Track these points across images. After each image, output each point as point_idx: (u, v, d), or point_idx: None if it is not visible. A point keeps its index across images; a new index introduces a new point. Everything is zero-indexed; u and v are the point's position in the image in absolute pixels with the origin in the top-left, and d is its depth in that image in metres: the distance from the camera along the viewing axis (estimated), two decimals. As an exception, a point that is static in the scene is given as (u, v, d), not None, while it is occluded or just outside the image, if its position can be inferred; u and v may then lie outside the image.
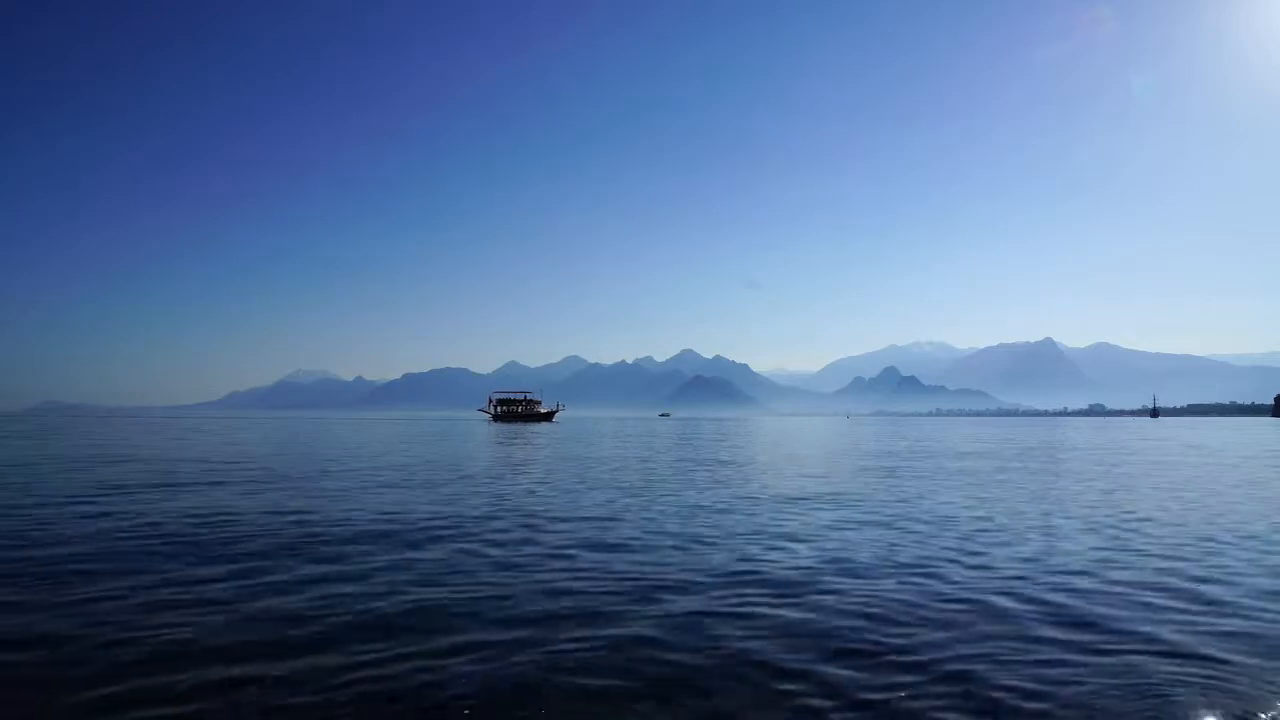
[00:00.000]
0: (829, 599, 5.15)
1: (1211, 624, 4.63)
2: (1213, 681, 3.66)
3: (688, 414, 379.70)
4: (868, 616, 4.70)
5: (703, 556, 6.58)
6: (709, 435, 42.36)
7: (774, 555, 6.65)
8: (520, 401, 77.66)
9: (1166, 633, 4.44)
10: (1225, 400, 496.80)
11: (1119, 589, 5.49)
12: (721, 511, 9.63)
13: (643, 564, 6.25)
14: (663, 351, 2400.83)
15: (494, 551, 6.82)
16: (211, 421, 78.26)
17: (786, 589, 5.42)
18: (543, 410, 78.13)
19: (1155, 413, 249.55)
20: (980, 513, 9.63)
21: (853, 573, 5.97)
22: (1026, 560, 6.51)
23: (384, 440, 32.20)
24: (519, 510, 9.69)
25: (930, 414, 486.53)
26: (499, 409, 77.59)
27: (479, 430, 47.35)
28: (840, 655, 3.98)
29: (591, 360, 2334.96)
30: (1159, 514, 9.54)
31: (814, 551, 6.85)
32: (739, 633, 4.36)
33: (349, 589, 5.33)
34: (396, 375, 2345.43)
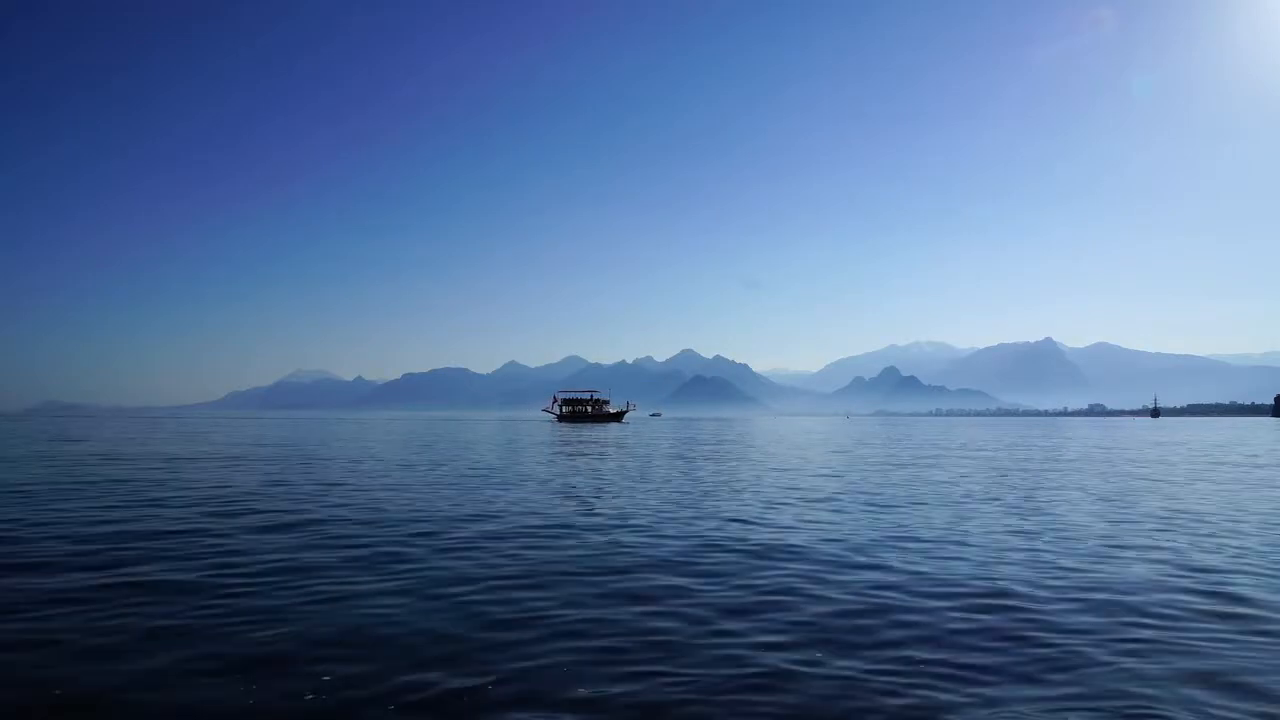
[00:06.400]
0: None
1: None
2: None
3: (688, 414, 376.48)
4: None
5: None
6: (755, 439, 35.53)
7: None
8: (588, 401, 72.92)
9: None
10: (1225, 400, 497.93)
11: None
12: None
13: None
14: (663, 351, 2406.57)
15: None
16: (264, 421, 77.90)
17: None
18: (611, 410, 73.25)
19: (1156, 413, 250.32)
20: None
21: None
22: None
23: (537, 443, 28.69)
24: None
25: (930, 414, 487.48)
26: (565, 409, 72.83)
27: (579, 433, 41.14)
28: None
29: (591, 360, 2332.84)
30: None
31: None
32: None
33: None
34: (396, 375, 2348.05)
